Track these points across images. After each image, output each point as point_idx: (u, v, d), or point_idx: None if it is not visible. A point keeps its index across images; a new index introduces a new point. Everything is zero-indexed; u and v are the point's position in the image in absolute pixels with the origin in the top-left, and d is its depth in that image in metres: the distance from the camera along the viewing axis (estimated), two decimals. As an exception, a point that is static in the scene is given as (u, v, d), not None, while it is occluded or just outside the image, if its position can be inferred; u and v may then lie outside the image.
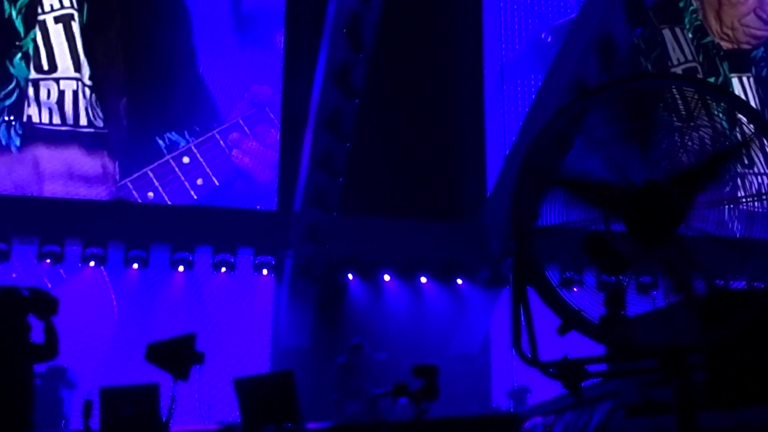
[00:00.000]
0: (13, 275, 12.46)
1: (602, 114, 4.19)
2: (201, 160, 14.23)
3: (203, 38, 14.93)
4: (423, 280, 14.35)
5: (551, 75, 12.91)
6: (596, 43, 11.94)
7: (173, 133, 14.32)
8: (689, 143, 3.92)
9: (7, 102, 13.90)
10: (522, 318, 3.97)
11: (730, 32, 17.02)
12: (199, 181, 14.20)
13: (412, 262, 14.32)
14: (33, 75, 14.07)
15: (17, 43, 14.09)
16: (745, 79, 17.03)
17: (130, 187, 14.03)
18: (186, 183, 14.09)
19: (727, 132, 3.90)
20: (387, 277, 14.26)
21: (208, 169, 14.27)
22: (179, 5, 14.92)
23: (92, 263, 13.24)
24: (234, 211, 14.17)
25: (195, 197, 14.24)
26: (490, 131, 15.58)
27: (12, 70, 14.01)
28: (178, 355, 7.81)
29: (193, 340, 7.89)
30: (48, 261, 13.01)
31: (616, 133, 4.06)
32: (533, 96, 14.41)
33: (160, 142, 14.27)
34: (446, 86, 15.60)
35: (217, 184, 14.25)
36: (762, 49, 17.26)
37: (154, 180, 14.07)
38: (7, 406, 6.54)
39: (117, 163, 14.13)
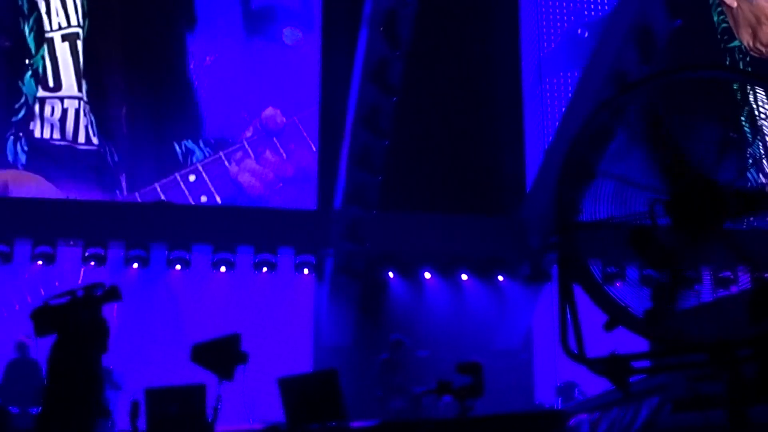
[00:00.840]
0: (56, 284, 12.63)
1: (645, 106, 4.15)
2: (206, 178, 14.46)
3: (209, 44, 15.10)
4: (464, 276, 14.31)
5: (590, 68, 12.81)
6: (635, 35, 11.83)
7: (189, 141, 14.56)
8: (736, 135, 3.87)
9: (15, 119, 14.19)
10: (568, 315, 3.95)
11: (763, 49, 16.60)
12: (203, 198, 14.43)
13: (452, 259, 14.28)
14: (41, 93, 14.34)
15: (28, 61, 14.37)
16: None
17: (138, 199, 14.25)
18: (190, 199, 14.36)
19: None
20: (428, 275, 14.25)
21: (212, 188, 14.51)
22: (184, 12, 15.10)
23: (135, 265, 13.40)
24: (275, 211, 14.25)
25: None
26: (528, 125, 15.50)
27: (23, 87, 14.30)
28: (222, 356, 7.90)
29: (238, 341, 7.97)
30: (92, 263, 13.18)
31: (657, 126, 4.02)
32: (571, 90, 14.31)
33: (177, 148, 14.50)
34: (484, 81, 15.53)
35: (219, 201, 14.48)
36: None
37: (161, 194, 14.30)
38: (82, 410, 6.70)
39: (124, 176, 14.36)
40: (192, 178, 14.44)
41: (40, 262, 13.13)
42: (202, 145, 14.66)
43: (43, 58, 14.41)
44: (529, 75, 15.73)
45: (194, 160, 14.53)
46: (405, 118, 12.96)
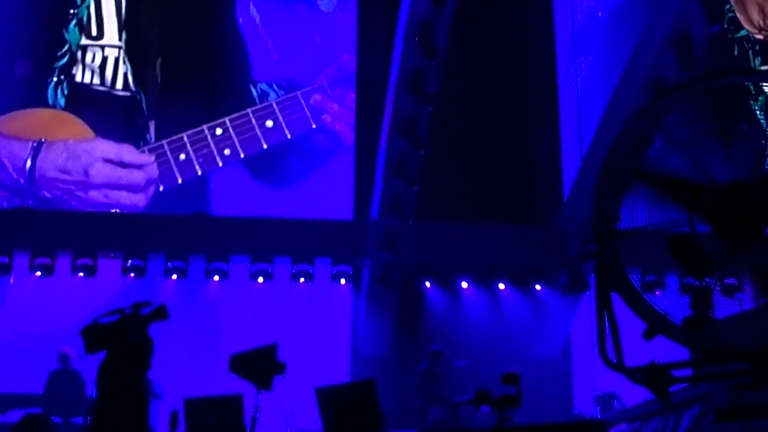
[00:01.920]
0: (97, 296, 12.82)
1: (683, 113, 4.11)
2: (232, 134, 14.91)
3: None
4: (501, 286, 14.24)
5: (627, 74, 12.71)
6: (673, 40, 11.72)
7: (264, 83, 15.36)
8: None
9: (58, 64, 14.96)
10: (606, 323, 3.92)
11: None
12: (227, 151, 14.84)
13: (490, 269, 14.22)
14: (83, 41, 15.17)
15: (73, 11, 15.20)
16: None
17: (165, 147, 14.74)
18: (215, 151, 14.78)
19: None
20: (465, 284, 14.20)
21: (237, 143, 14.91)
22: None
23: (174, 276, 13.52)
24: (311, 222, 14.29)
25: (220, 164, 14.87)
26: (565, 133, 15.41)
27: (66, 35, 15.09)
28: (260, 366, 7.94)
29: (275, 351, 8.00)
30: (132, 275, 13.33)
31: (698, 131, 3.98)
32: (609, 96, 14.20)
33: (253, 90, 15.28)
34: (520, 90, 15.47)
35: (242, 155, 14.92)
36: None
37: (188, 144, 14.79)
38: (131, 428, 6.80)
39: (153, 123, 15.01)
40: (219, 131, 14.90)
41: (81, 274, 13.30)
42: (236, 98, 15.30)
43: (88, 8, 15.24)
44: (565, 82, 15.65)
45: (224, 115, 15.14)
46: (440, 126, 12.94)
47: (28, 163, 14.18)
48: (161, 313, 7.11)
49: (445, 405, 10.98)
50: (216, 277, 13.62)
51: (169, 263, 13.50)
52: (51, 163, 14.20)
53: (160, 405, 11.08)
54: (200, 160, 14.85)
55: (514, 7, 15.74)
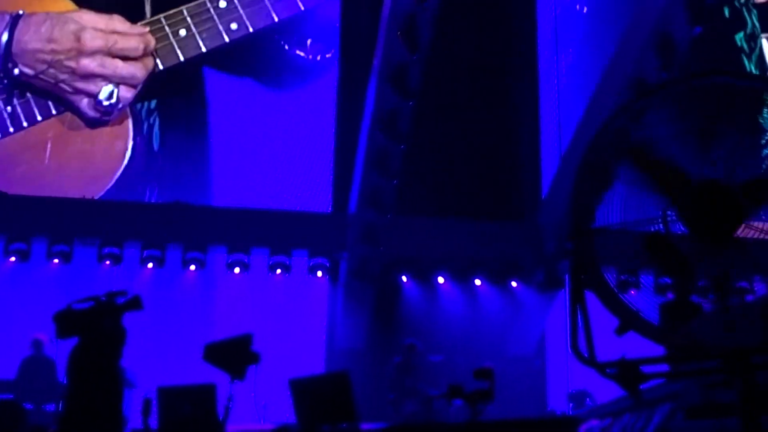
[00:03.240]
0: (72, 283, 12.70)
1: (663, 112, 4.13)
2: (238, 5, 14.03)
3: None
4: (477, 282, 14.29)
5: (608, 75, 12.77)
6: (655, 41, 11.77)
7: None
8: (752, 143, 3.84)
9: None
10: (579, 318, 3.94)
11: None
12: (233, 26, 14.00)
13: (467, 264, 14.27)
14: None
15: None
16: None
17: (163, 22, 13.90)
18: (220, 26, 13.94)
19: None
20: (441, 280, 14.24)
21: (243, 15, 14.02)
22: None
23: (150, 265, 13.46)
24: (289, 213, 14.27)
25: (227, 39, 14.03)
26: (545, 131, 15.47)
27: None
28: (234, 356, 7.92)
29: (250, 341, 7.98)
30: (108, 262, 13.26)
31: (677, 130, 4.00)
32: (590, 96, 14.25)
33: None
34: (501, 86, 15.52)
35: (251, 30, 14.02)
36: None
37: (188, 18, 13.91)
38: (103, 415, 6.78)
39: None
40: (223, 4, 14.02)
41: (56, 261, 13.21)
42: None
43: None
44: (546, 79, 15.69)
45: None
46: (420, 122, 12.95)
47: (4, 36, 12.88)
48: (136, 303, 7.10)
49: (418, 398, 11.01)
50: (192, 267, 13.60)
51: (145, 251, 13.44)
52: (33, 33, 12.96)
53: (133, 393, 11.02)
54: (204, 35, 13.82)
55: (496, 3, 15.77)
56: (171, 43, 13.81)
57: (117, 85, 13.33)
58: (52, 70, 13.11)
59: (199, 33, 13.84)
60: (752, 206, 3.78)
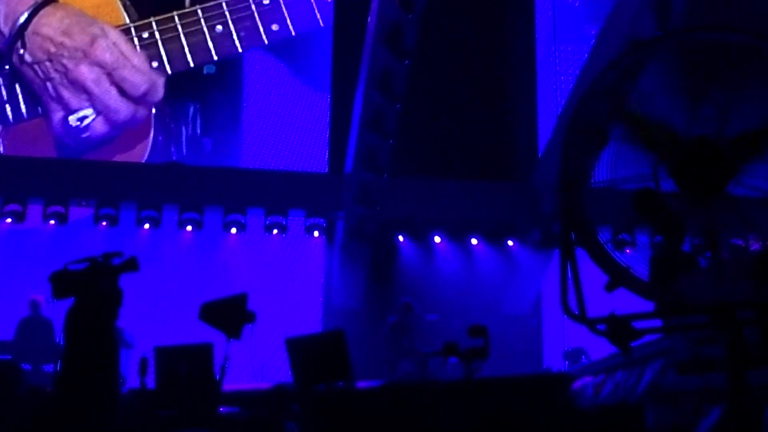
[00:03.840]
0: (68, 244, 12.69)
1: (653, 68, 4.11)
2: (282, 5, 13.49)
3: None
4: (474, 241, 14.31)
5: (604, 33, 12.69)
6: (650, 0, 11.70)
7: None
8: (740, 98, 3.83)
9: None
10: (569, 274, 3.95)
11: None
12: (275, 27, 13.53)
13: (463, 224, 14.28)
14: None
15: None
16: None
17: (200, 14, 13.45)
18: (260, 24, 13.43)
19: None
20: (438, 239, 14.26)
21: (287, 17, 13.50)
22: None
23: (147, 226, 13.46)
24: (285, 173, 14.26)
25: (266, 41, 13.65)
26: (541, 90, 15.40)
27: None
28: (230, 315, 7.97)
29: (245, 300, 8.02)
30: (104, 223, 13.26)
31: (666, 87, 3.99)
32: (586, 54, 14.18)
33: None
34: (497, 45, 15.42)
35: (293, 34, 13.55)
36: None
37: (227, 13, 13.36)
38: (100, 375, 6.83)
39: None
40: (266, 0, 13.72)
41: (52, 222, 13.21)
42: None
43: None
44: (543, 37, 15.60)
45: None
46: (416, 81, 12.88)
47: (24, 16, 12.65)
48: (132, 264, 7.13)
49: (414, 357, 11.08)
50: (189, 227, 13.59)
51: (141, 212, 13.43)
52: (54, 21, 12.59)
53: (131, 353, 11.09)
54: (242, 33, 13.23)
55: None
56: (206, 39, 13.21)
57: (97, 113, 13.08)
58: (48, 64, 12.76)
59: (237, 31, 13.22)
60: (741, 161, 3.78)
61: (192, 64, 13.58)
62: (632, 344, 3.98)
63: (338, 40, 14.82)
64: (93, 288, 7.00)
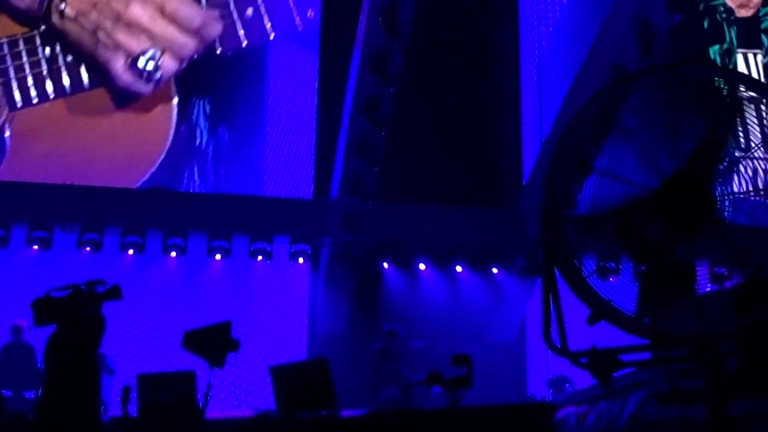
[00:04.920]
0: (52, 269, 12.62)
1: (635, 102, 4.16)
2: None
3: None
4: (458, 268, 14.32)
5: (589, 61, 12.79)
6: (635, 27, 11.81)
7: None
8: (722, 134, 3.87)
9: None
10: (552, 307, 3.96)
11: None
12: (310, 13, 13.26)
13: (448, 251, 14.29)
14: None
15: None
16: (751, 56, 14.99)
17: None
18: (294, 9, 13.28)
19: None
20: (423, 266, 14.26)
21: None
22: None
23: (131, 251, 13.40)
24: (270, 199, 14.25)
25: (300, 27, 13.39)
26: (526, 117, 15.49)
27: None
28: (214, 343, 7.92)
29: (229, 328, 7.98)
30: (88, 249, 13.20)
31: (648, 122, 4.03)
32: (571, 82, 14.28)
33: None
34: (483, 72, 15.52)
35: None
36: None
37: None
38: (81, 403, 6.78)
39: None
40: None
41: (35, 247, 13.15)
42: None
43: None
44: (528, 65, 15.70)
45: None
46: (402, 107, 12.94)
47: None
48: (115, 293, 7.11)
49: (398, 384, 11.04)
50: (173, 253, 13.53)
51: (125, 238, 13.37)
52: None
53: (113, 380, 11.02)
54: (274, 20, 12.82)
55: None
56: (234, 24, 12.75)
57: (162, 50, 12.26)
58: (94, 14, 12.00)
59: (269, 16, 12.69)
60: (720, 197, 3.81)
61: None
62: (614, 375, 4.00)
63: (324, 64, 14.88)
64: (75, 315, 6.97)
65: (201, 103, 13.85)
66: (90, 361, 7.05)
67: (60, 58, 12.68)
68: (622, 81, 4.51)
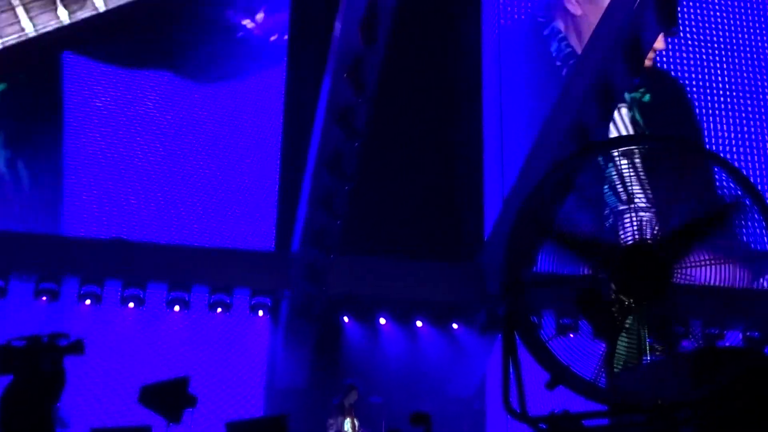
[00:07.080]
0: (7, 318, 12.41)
1: (594, 172, 4.24)
2: None
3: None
4: (419, 324, 14.31)
5: (550, 121, 12.96)
6: (595, 89, 11.99)
7: None
8: (675, 205, 3.95)
9: None
10: (511, 371, 3.98)
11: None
12: None
13: (410, 305, 14.28)
14: None
15: None
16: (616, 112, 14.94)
17: None
18: None
19: (719, 193, 3.95)
20: (383, 321, 14.23)
21: None
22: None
23: (88, 301, 13.22)
24: (231, 251, 14.16)
25: None
26: (488, 173, 15.62)
27: None
28: (170, 398, 7.83)
29: (186, 384, 7.91)
30: (44, 298, 13.00)
31: (605, 192, 4.11)
32: (533, 139, 14.45)
33: None
34: (445, 128, 15.67)
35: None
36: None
37: None
38: None
39: None
40: None
41: (-7, 296, 12.94)
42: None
43: None
44: (490, 121, 15.88)
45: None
46: (366, 162, 12.99)
47: None
48: (78, 347, 7.02)
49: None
50: (131, 304, 13.36)
51: (83, 288, 13.19)
52: None
53: (66, 434, 10.81)
54: None
55: (442, 46, 15.96)
56: None
57: None
58: None
59: None
60: (673, 261, 3.88)
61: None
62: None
63: (288, 117, 14.95)
64: (33, 366, 6.86)
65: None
66: (44, 414, 6.93)
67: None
68: (581, 152, 4.60)
